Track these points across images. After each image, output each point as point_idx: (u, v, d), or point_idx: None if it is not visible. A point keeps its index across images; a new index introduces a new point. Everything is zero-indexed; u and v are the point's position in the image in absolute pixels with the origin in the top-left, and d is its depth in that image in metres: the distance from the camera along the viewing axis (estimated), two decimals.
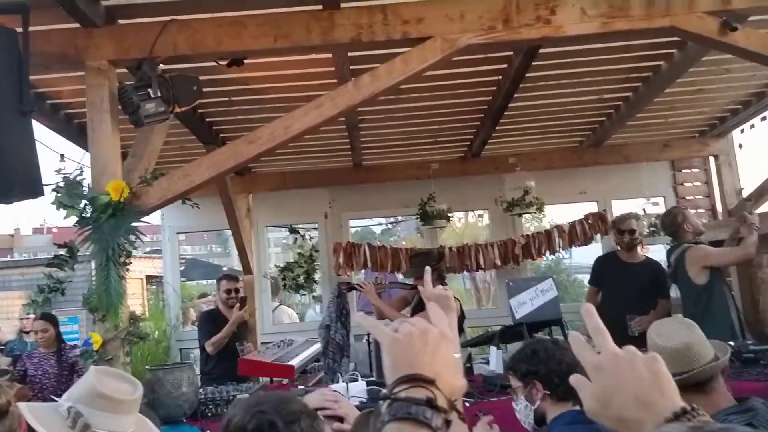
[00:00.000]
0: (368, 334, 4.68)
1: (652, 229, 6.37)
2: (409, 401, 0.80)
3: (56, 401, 1.69)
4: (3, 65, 2.69)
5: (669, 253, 4.81)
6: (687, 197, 6.91)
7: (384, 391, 0.85)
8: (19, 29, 2.73)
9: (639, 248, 5.04)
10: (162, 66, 3.21)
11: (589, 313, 0.90)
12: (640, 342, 4.21)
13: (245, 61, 3.37)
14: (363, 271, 7.35)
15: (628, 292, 4.74)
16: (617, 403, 0.83)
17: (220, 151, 3.40)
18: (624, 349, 0.86)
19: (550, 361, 2.18)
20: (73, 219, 3.08)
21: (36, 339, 5.03)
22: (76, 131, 4.72)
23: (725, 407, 1.97)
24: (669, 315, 5.10)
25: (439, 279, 4.70)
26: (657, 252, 10.09)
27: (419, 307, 4.72)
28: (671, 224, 4.57)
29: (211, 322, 5.37)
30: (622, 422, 0.84)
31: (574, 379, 0.90)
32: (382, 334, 0.91)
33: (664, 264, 4.92)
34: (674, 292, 6.38)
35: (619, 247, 5.00)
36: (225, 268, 14.96)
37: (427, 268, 1.82)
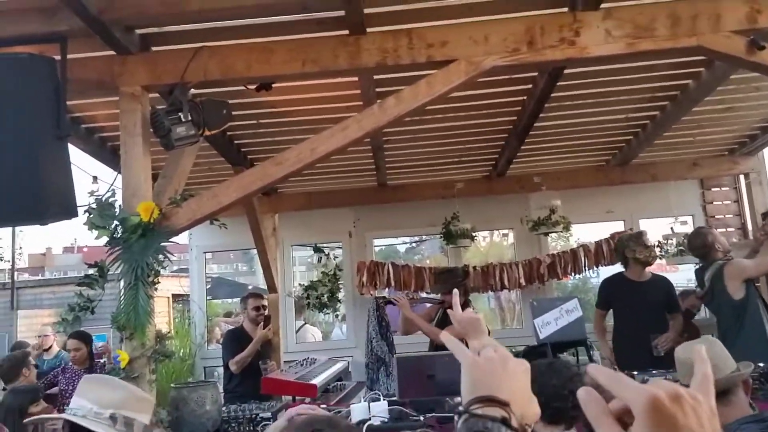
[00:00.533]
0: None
1: (680, 248, 6.28)
2: (485, 418, 0.85)
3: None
4: (42, 92, 2.79)
5: (699, 272, 4.74)
6: (716, 216, 6.80)
7: (459, 408, 0.90)
8: (58, 57, 2.83)
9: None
10: (193, 90, 3.29)
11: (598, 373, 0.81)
12: (666, 361, 4.17)
13: (273, 85, 3.44)
14: (386, 290, 7.36)
15: (642, 311, 4.67)
16: None
17: (248, 173, 3.45)
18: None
19: (537, 383, 2.16)
20: (104, 239, 3.15)
21: (70, 356, 5.15)
22: (109, 154, 4.85)
23: (741, 417, 2.05)
24: (684, 328, 5.07)
25: (465, 295, 4.71)
26: (686, 271, 9.94)
27: (443, 323, 4.72)
28: (702, 245, 4.54)
29: (235, 340, 5.42)
30: None
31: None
32: (464, 356, 0.96)
33: (690, 283, 4.84)
34: (703, 311, 6.28)
35: (628, 267, 4.85)
36: (250, 287, 15.07)
37: (455, 291, 1.83)
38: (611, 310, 5.01)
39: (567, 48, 3.13)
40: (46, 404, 4.09)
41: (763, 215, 5.94)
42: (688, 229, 6.67)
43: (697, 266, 4.95)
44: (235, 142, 5.10)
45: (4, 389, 4.57)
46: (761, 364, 3.39)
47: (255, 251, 6.48)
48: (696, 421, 0.64)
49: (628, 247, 4.80)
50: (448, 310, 1.99)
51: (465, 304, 4.67)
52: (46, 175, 2.86)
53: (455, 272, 4.96)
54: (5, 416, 3.80)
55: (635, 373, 3.81)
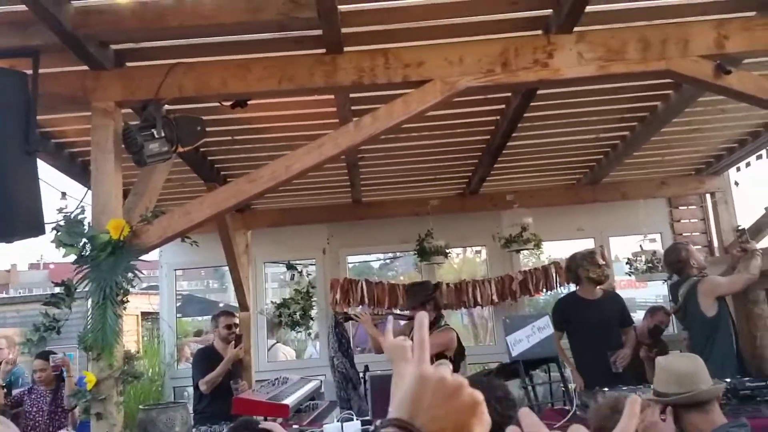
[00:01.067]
0: (365, 371, 4.63)
1: (648, 265, 6.39)
2: None
3: None
4: (12, 106, 2.73)
5: (674, 287, 4.83)
6: (684, 234, 6.95)
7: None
8: (30, 71, 2.78)
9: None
10: (167, 106, 3.26)
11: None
12: (622, 378, 4.25)
13: (249, 102, 3.42)
14: (360, 307, 7.32)
15: (598, 328, 4.71)
16: None
17: (221, 190, 3.42)
18: None
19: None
20: (72, 257, 3.08)
21: (35, 377, 5.08)
22: (79, 169, 4.75)
23: (723, 423, 2.38)
24: (652, 343, 5.16)
25: (436, 309, 4.69)
26: (655, 287, 10.11)
27: None
28: (677, 261, 4.63)
29: (205, 360, 5.33)
30: None
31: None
32: (418, 362, 0.82)
33: (659, 299, 4.90)
34: (674, 327, 6.38)
35: (581, 285, 4.89)
36: (221, 304, 14.83)
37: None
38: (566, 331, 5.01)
39: (540, 70, 3.19)
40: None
41: (738, 232, 6.08)
42: (657, 246, 6.81)
43: (672, 281, 5.04)
44: (209, 158, 5.05)
45: None
46: (727, 380, 3.47)
47: (227, 268, 6.39)
48: None
49: (581, 266, 4.82)
50: (379, 339, 2.01)
51: (437, 319, 4.65)
52: (14, 192, 2.80)
53: (425, 285, 4.96)
54: None
55: (606, 389, 3.85)
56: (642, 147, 5.45)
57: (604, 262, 4.82)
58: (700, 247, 6.88)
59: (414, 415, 0.76)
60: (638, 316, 9.19)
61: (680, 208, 7.13)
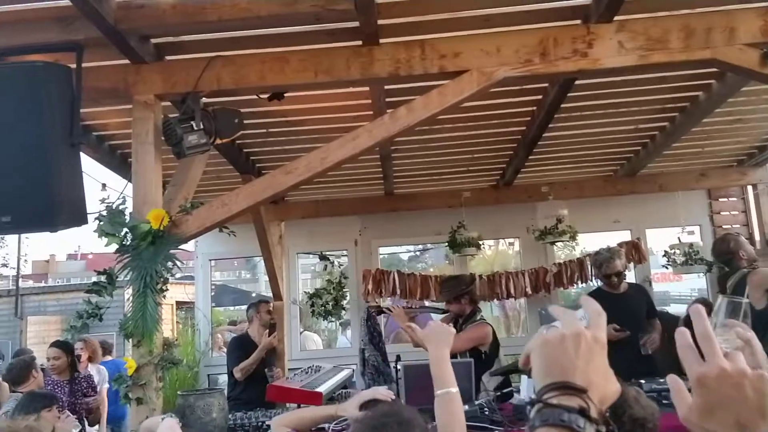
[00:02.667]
0: (397, 361, 4.65)
1: (686, 258, 6.27)
2: (562, 408, 0.78)
3: None
4: (57, 100, 2.79)
5: (721, 279, 4.74)
6: (724, 226, 6.79)
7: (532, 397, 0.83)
8: (74, 65, 2.84)
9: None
10: (205, 99, 3.30)
11: (698, 314, 0.88)
12: (657, 371, 4.15)
13: (285, 95, 3.44)
14: (390, 298, 7.34)
15: (626, 322, 4.64)
16: (717, 420, 0.82)
17: (257, 182, 3.45)
18: (732, 364, 0.84)
19: None
20: (112, 246, 3.14)
21: (48, 366, 4.96)
22: (118, 161, 4.85)
23: None
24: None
25: (472, 303, 4.67)
26: (691, 281, 9.89)
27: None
28: (726, 251, 4.53)
29: (240, 348, 5.43)
30: None
31: (672, 381, 0.88)
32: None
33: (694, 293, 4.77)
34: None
35: (608, 280, 4.81)
36: (254, 294, 15.05)
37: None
38: None
39: (579, 60, 3.13)
40: (58, 413, 4.06)
41: None
42: (695, 239, 6.67)
43: (720, 273, 4.95)
44: (245, 150, 5.11)
45: (14, 392, 4.54)
46: None
47: (258, 258, 6.47)
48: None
49: (596, 269, 4.84)
50: (408, 332, 2.04)
51: (472, 313, 4.64)
52: (59, 183, 2.86)
53: (461, 279, 4.92)
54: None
55: (642, 381, 3.80)
56: (682, 138, 5.32)
57: (614, 272, 4.72)
58: None
59: (565, 375, 0.82)
60: (672, 309, 9.05)
61: (720, 200, 6.96)
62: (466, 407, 3.45)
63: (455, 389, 1.83)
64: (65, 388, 4.85)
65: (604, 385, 0.83)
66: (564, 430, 0.77)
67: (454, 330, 1.90)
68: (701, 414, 0.83)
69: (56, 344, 4.93)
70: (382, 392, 1.98)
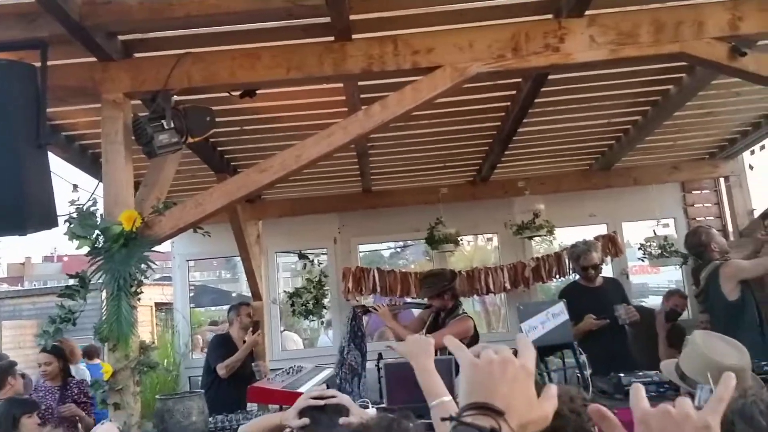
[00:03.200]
0: (378, 360, 4.64)
1: (661, 250, 6.35)
2: (473, 427, 0.80)
3: None
4: (21, 99, 2.74)
5: (695, 271, 4.80)
6: (698, 218, 6.88)
7: (451, 413, 0.86)
8: (38, 64, 2.78)
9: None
10: (175, 97, 3.25)
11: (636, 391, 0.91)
12: (636, 364, 4.18)
13: (257, 92, 3.41)
14: (372, 296, 7.33)
15: (603, 314, 4.70)
16: None
17: (231, 180, 3.42)
18: (678, 407, 0.86)
19: None
20: (85, 249, 3.09)
21: (39, 372, 4.83)
22: (89, 161, 4.77)
23: None
24: (669, 329, 5.14)
25: (453, 298, 4.69)
26: (668, 273, 10.03)
27: (434, 327, 4.70)
28: (698, 244, 4.59)
29: (223, 346, 5.41)
30: None
31: (593, 412, 0.91)
32: (463, 357, 0.92)
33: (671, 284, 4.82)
34: (690, 312, 6.35)
35: (584, 274, 4.89)
36: (234, 294, 14.93)
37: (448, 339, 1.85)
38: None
39: (551, 54, 3.15)
40: (39, 419, 3.98)
41: (762, 216, 6.01)
42: (670, 231, 6.76)
43: (693, 266, 5.01)
44: (219, 148, 5.05)
45: None
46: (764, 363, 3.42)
47: (238, 258, 6.42)
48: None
49: (573, 263, 4.88)
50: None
51: (454, 307, 4.65)
52: (27, 185, 2.81)
53: (443, 275, 4.93)
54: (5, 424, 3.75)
55: (621, 375, 3.83)
56: (654, 131, 5.39)
57: (591, 264, 4.78)
58: None
59: (486, 396, 0.84)
60: (650, 301, 9.15)
61: (694, 192, 7.06)
62: None
63: (448, 398, 1.78)
64: (56, 395, 4.70)
65: (527, 411, 0.85)
66: None
67: (431, 339, 1.88)
68: None
69: (46, 350, 4.72)
70: (314, 394, 1.94)
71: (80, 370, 5.97)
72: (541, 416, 0.88)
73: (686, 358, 2.49)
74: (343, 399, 1.95)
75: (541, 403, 0.88)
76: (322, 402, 1.90)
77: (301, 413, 1.89)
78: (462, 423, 0.82)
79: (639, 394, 0.88)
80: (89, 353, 6.99)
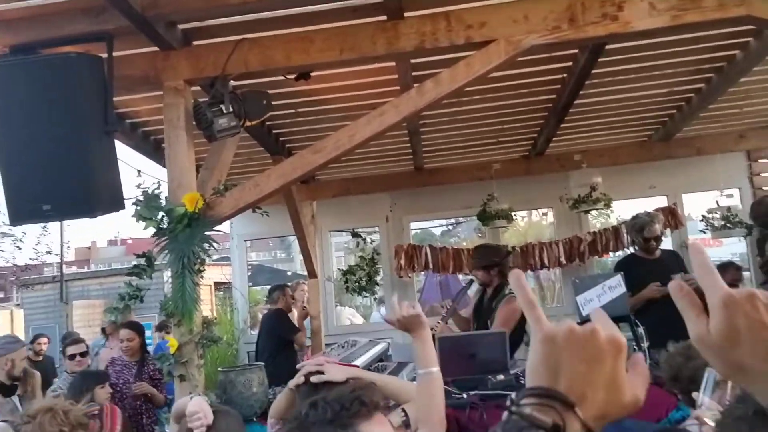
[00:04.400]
0: (432, 335, 4.66)
1: (724, 222, 6.13)
2: (530, 420, 0.65)
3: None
4: (90, 90, 2.86)
5: (760, 242, 4.65)
6: (764, 188, 6.60)
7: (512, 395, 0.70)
8: (104, 55, 2.89)
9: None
10: (233, 82, 3.33)
11: (697, 250, 0.73)
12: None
13: (311, 74, 3.45)
14: (423, 273, 7.37)
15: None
16: (745, 349, 0.68)
17: (287, 162, 3.48)
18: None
19: None
20: (150, 230, 3.22)
21: (121, 347, 4.93)
22: (152, 147, 4.94)
23: None
24: None
25: (501, 276, 4.59)
26: (730, 245, 9.67)
27: (480, 307, 4.68)
28: (764, 214, 4.45)
29: (288, 319, 5.93)
30: (743, 372, 0.69)
31: (675, 287, 0.73)
32: (539, 325, 0.72)
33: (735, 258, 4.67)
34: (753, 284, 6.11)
35: (638, 248, 4.82)
36: (289, 273, 15.27)
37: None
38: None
39: (609, 23, 3.05)
40: (111, 390, 4.18)
41: None
42: (734, 202, 6.51)
43: (759, 236, 4.85)
44: (274, 131, 5.14)
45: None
46: None
47: (292, 238, 6.57)
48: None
49: (631, 235, 4.80)
50: (385, 318, 2.10)
51: (499, 287, 4.56)
52: (95, 170, 2.94)
53: (497, 250, 4.85)
54: (72, 396, 3.95)
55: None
56: (718, 99, 5.17)
57: (653, 235, 4.67)
58: None
59: (553, 380, 0.68)
60: None
61: (760, 161, 6.75)
62: (501, 376, 3.48)
63: (436, 368, 1.85)
64: (132, 370, 4.79)
65: (611, 398, 0.69)
66: None
67: (419, 311, 1.95)
68: (725, 339, 0.69)
69: (127, 326, 4.86)
70: (311, 362, 2.09)
71: None
72: (631, 401, 0.70)
73: None
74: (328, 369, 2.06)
75: (631, 384, 0.70)
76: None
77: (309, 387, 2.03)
78: (517, 414, 0.66)
79: (709, 280, 0.72)
80: (166, 329, 7.27)
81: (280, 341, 5.76)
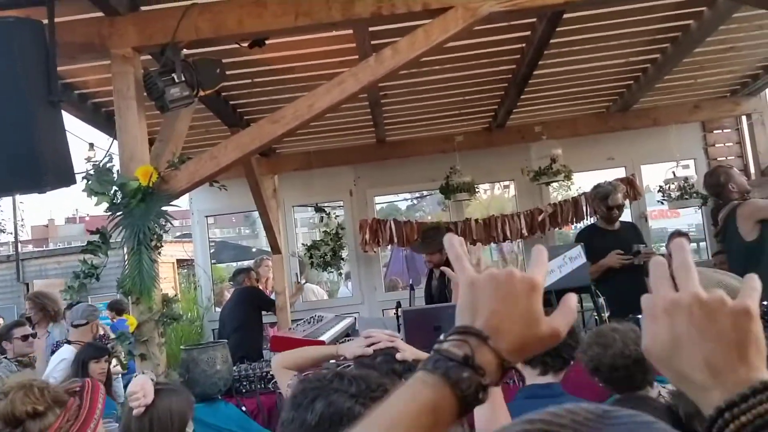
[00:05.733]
0: (397, 308, 4.71)
1: (681, 192, 6.27)
2: (444, 354, 0.71)
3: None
4: (31, 57, 2.73)
5: (714, 212, 4.77)
6: (719, 158, 6.77)
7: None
8: (45, 21, 2.76)
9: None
10: (185, 51, 3.23)
11: (680, 246, 0.74)
12: (641, 274, 4.25)
13: (267, 42, 3.37)
14: (389, 247, 7.38)
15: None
16: (683, 358, 0.68)
17: (245, 132, 3.42)
18: (710, 294, 0.69)
19: None
20: (104, 206, 3.13)
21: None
22: (103, 119, 4.78)
23: None
24: None
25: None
26: (687, 216, 9.94)
27: (441, 283, 4.78)
28: (715, 184, 4.55)
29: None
30: (684, 380, 0.69)
31: (645, 302, 0.73)
32: (463, 272, 0.79)
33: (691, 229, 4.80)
34: (708, 253, 6.31)
35: (600, 218, 4.99)
36: (254, 249, 15.14)
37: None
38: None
39: None
40: (105, 365, 4.12)
41: None
42: (690, 173, 6.66)
43: (712, 206, 4.98)
44: (230, 102, 5.03)
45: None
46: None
47: (257, 214, 6.50)
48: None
49: (595, 204, 4.92)
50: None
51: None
52: (42, 142, 2.82)
53: (441, 231, 5.01)
54: (72, 370, 3.93)
55: (639, 316, 3.85)
56: (674, 70, 5.24)
57: (617, 204, 4.79)
58: None
59: (473, 319, 0.74)
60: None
61: (714, 132, 6.91)
62: None
63: None
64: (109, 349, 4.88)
65: (525, 331, 0.74)
66: (440, 378, 0.69)
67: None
68: (664, 348, 0.70)
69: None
70: (384, 336, 2.01)
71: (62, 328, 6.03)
72: (547, 333, 0.75)
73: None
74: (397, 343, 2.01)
75: (551, 319, 0.76)
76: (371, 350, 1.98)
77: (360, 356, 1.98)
78: (436, 351, 0.72)
79: (663, 285, 0.73)
80: (118, 309, 7.13)
81: (253, 314, 5.97)
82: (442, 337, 0.75)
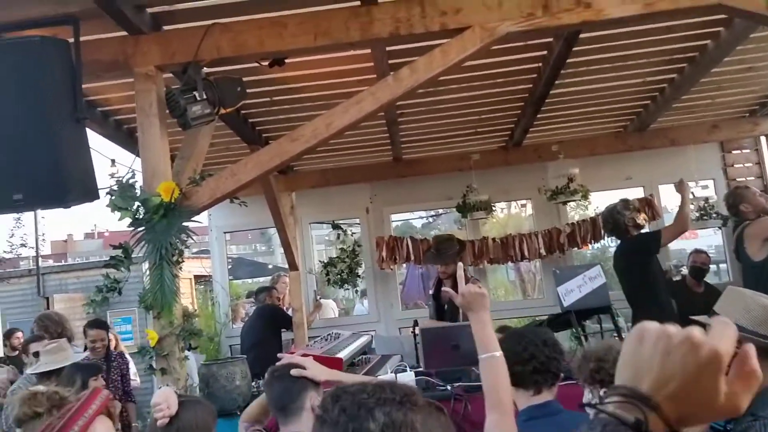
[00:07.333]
0: (414, 326, 4.70)
1: (700, 212, 6.22)
2: (614, 418, 0.68)
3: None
4: (57, 75, 2.80)
5: (733, 232, 4.76)
6: (738, 179, 6.71)
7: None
8: (71, 39, 2.84)
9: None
10: (206, 69, 3.29)
11: (724, 322, 0.72)
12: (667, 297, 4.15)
13: (286, 61, 3.42)
14: (405, 265, 7.37)
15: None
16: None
17: (264, 150, 3.46)
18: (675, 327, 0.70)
19: (503, 350, 1.96)
20: (126, 221, 3.18)
21: (92, 347, 4.91)
22: (125, 136, 4.88)
23: None
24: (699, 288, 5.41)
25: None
26: (707, 237, 9.79)
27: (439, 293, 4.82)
28: (730, 205, 4.57)
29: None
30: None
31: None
32: (642, 328, 0.73)
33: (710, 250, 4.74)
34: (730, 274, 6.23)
35: (629, 234, 4.93)
36: (270, 266, 15.19)
37: (460, 264, 1.88)
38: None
39: (583, 11, 3.07)
40: (103, 382, 4.15)
41: None
42: (709, 193, 6.60)
43: (734, 226, 4.98)
44: (250, 120, 5.10)
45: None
46: None
47: (273, 231, 6.55)
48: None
49: (624, 216, 4.81)
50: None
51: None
52: (67, 159, 2.89)
53: (453, 239, 5.01)
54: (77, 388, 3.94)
55: None
56: (691, 90, 5.24)
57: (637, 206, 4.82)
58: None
59: (638, 379, 0.70)
60: None
61: (734, 152, 6.86)
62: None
63: (499, 353, 1.80)
64: (103, 366, 4.71)
65: (700, 406, 0.68)
66: None
67: (485, 291, 1.89)
68: (659, 382, 0.69)
69: (96, 325, 4.86)
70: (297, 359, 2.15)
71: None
72: (725, 409, 0.68)
73: (720, 301, 2.40)
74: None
75: (730, 388, 0.68)
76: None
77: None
78: (602, 411, 0.69)
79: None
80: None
81: (271, 331, 6.04)
82: (602, 393, 0.73)
